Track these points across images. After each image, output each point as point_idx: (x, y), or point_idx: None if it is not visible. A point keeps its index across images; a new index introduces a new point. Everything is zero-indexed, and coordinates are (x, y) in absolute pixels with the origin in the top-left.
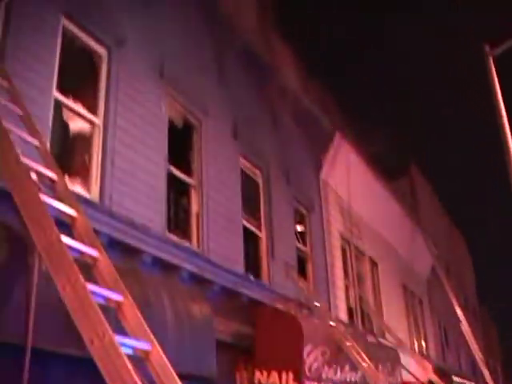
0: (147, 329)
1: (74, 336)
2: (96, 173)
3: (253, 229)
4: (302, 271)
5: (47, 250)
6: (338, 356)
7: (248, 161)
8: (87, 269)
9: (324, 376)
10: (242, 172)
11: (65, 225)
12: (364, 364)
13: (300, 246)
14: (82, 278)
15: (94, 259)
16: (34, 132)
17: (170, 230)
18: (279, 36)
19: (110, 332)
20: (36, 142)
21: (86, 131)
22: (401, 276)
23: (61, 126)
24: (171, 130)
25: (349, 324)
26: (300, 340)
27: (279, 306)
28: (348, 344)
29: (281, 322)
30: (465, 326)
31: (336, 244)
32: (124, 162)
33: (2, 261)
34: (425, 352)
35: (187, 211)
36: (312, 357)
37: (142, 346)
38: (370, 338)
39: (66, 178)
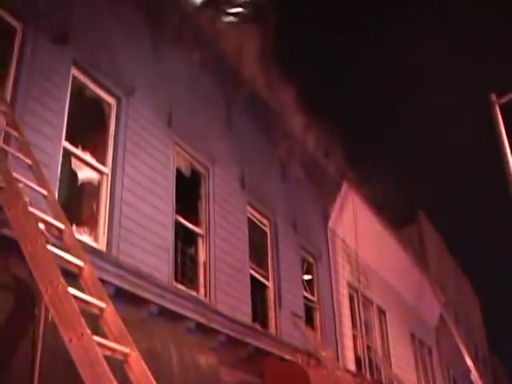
0: (153, 381)
1: None
2: (103, 222)
3: (260, 278)
4: (309, 320)
5: (54, 302)
6: None
7: (255, 210)
8: (94, 319)
9: None
10: (250, 221)
11: (72, 274)
12: None
13: (307, 294)
14: (88, 330)
15: (101, 310)
16: (42, 181)
17: (176, 280)
18: (286, 86)
19: None
20: (44, 192)
21: (94, 180)
22: (409, 324)
23: (69, 174)
24: (179, 178)
25: (357, 374)
26: None
27: (287, 356)
28: None
29: (288, 372)
30: (475, 376)
31: (343, 293)
32: (131, 211)
33: (9, 311)
34: None
35: (194, 260)
36: None
37: None
38: None
39: (74, 227)
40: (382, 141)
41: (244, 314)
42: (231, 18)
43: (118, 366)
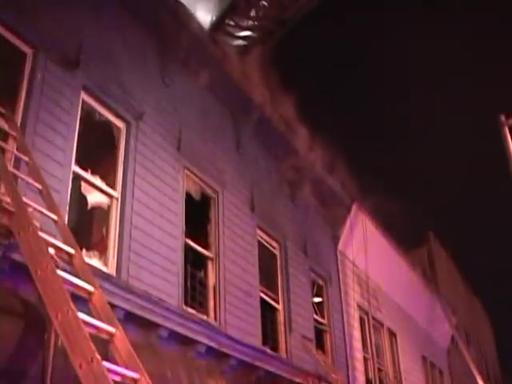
0: None
1: None
2: (113, 246)
3: (270, 301)
4: (319, 343)
5: (63, 327)
6: None
7: (265, 233)
8: (104, 344)
9: None
10: (259, 244)
11: (82, 299)
12: None
13: (318, 317)
14: (98, 356)
15: (111, 335)
16: (52, 206)
17: (186, 304)
18: (294, 111)
19: None
20: (54, 216)
21: (104, 204)
22: (420, 346)
23: (79, 198)
24: (188, 202)
25: None
26: None
27: (297, 379)
28: None
29: None
30: None
31: (354, 315)
32: (141, 234)
33: (19, 335)
34: None
35: (204, 284)
36: None
37: None
38: None
39: (84, 251)
40: (392, 163)
41: (254, 337)
42: (240, 42)
43: None
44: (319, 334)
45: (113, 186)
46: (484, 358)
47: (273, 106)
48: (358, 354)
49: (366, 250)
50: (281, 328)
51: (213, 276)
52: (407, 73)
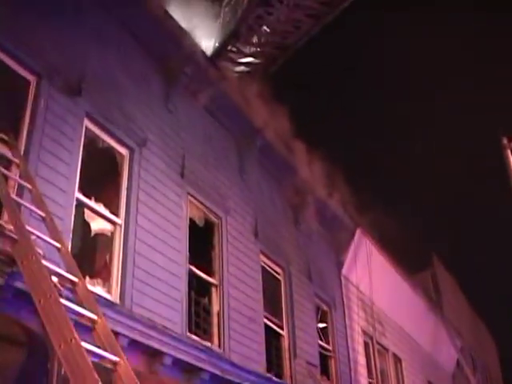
0: None
1: None
2: (117, 273)
3: (274, 327)
4: (324, 369)
5: (66, 356)
6: None
7: (269, 258)
8: (107, 372)
9: None
10: (263, 269)
11: (85, 327)
12: None
13: (322, 343)
14: None
15: (114, 364)
16: (55, 234)
17: (190, 331)
18: (297, 137)
19: None
20: (57, 244)
21: (107, 231)
22: (425, 371)
23: (82, 225)
24: (192, 228)
25: None
26: None
27: None
28: None
29: None
30: None
31: (359, 340)
32: (145, 261)
33: (22, 364)
34: None
35: (208, 311)
36: None
37: None
38: None
39: (87, 278)
40: (394, 186)
41: (259, 363)
42: (243, 68)
43: None
44: (324, 360)
45: (116, 213)
46: (490, 383)
47: (276, 132)
48: (363, 380)
49: (370, 274)
50: (285, 354)
51: (217, 302)
52: (407, 73)
